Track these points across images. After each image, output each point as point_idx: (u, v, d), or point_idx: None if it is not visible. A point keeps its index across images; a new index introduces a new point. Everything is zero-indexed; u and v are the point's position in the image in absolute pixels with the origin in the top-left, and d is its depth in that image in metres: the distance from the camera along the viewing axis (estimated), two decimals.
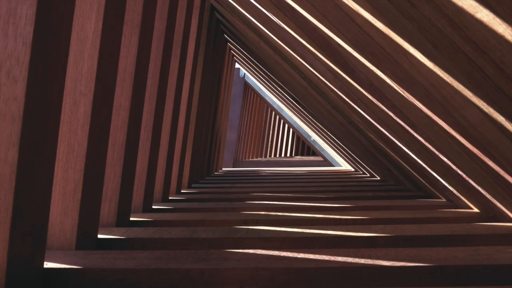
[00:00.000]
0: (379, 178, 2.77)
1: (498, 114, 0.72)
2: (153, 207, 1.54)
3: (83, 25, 0.92)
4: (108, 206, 1.17)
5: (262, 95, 5.85)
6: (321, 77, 1.53)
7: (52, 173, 0.78)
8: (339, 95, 1.55)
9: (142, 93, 1.28)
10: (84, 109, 0.92)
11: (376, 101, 1.22)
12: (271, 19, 1.40)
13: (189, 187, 2.30)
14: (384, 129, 1.45)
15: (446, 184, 1.46)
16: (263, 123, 8.27)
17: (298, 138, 9.38)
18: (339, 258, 0.83)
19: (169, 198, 1.80)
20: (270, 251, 0.89)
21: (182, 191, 2.09)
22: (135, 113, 1.22)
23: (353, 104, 1.50)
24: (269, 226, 1.16)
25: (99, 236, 1.04)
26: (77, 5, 0.91)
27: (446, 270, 0.80)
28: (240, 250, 0.90)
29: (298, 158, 8.22)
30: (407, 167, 1.71)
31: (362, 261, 0.82)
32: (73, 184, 0.92)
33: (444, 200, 1.73)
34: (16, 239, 0.68)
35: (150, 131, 1.43)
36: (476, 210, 1.45)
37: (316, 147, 5.28)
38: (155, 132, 1.47)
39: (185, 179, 2.26)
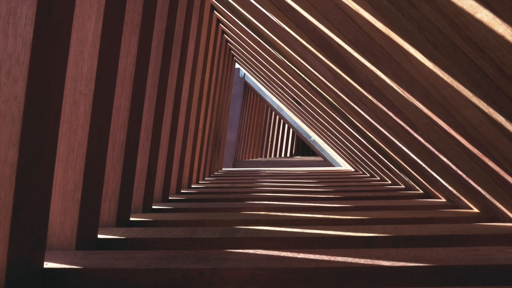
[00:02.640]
0: (379, 178, 2.77)
1: (498, 114, 0.72)
2: (153, 207, 1.54)
3: (83, 25, 0.92)
4: (108, 206, 1.17)
5: (262, 95, 5.85)
6: (321, 77, 1.53)
7: (52, 173, 0.78)
8: (339, 95, 1.55)
9: (142, 93, 1.28)
10: (84, 109, 0.92)
11: (376, 101, 1.22)
12: (271, 19, 1.40)
13: (188, 187, 2.30)
14: (384, 129, 1.45)
15: (446, 184, 1.46)
16: (263, 123, 8.27)
17: (298, 138, 9.38)
18: (339, 258, 0.83)
19: (169, 198, 1.80)
20: (270, 251, 0.89)
21: (182, 191, 2.09)
22: (135, 113, 1.22)
23: (353, 104, 1.50)
24: (269, 226, 1.16)
25: (99, 236, 1.04)
26: (77, 5, 0.91)
27: (446, 270, 0.80)
28: (240, 250, 0.90)
29: (298, 158, 8.23)
30: (407, 167, 1.71)
31: (362, 261, 0.82)
32: (73, 184, 0.92)
33: (444, 200, 1.73)
34: (16, 239, 0.68)
35: (150, 131, 1.43)
36: (476, 210, 1.45)
37: (316, 147, 5.28)
38: (155, 132, 1.47)
39: (185, 179, 2.26)
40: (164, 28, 1.46)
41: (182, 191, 2.08)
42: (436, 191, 1.73)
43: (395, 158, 1.76)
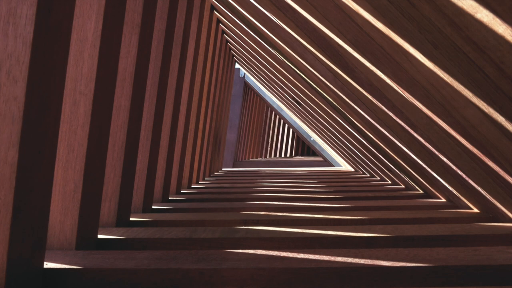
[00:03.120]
0: (379, 178, 2.77)
1: (498, 114, 0.72)
2: (153, 207, 1.54)
3: (83, 25, 0.92)
4: (108, 206, 1.17)
5: (262, 95, 5.85)
6: (321, 77, 1.53)
7: (52, 173, 0.78)
8: (339, 95, 1.55)
9: (142, 93, 1.28)
10: (84, 109, 0.92)
11: (376, 101, 1.22)
12: (271, 19, 1.40)
13: (188, 187, 2.30)
14: (384, 129, 1.45)
15: (446, 184, 1.46)
16: (263, 123, 8.27)
17: (298, 138, 9.38)
18: (339, 258, 0.83)
19: (169, 198, 1.80)
20: (270, 251, 0.89)
21: (182, 191, 2.09)
22: (135, 113, 1.22)
23: (353, 104, 1.50)
24: (269, 226, 1.16)
25: (99, 236, 1.04)
26: (77, 5, 0.91)
27: (446, 270, 0.80)
28: (240, 250, 0.90)
29: (298, 158, 8.22)
30: (407, 167, 1.71)
31: (362, 261, 0.82)
32: (73, 184, 0.92)
33: (444, 200, 1.73)
34: (16, 239, 0.68)
35: (150, 131, 1.43)
36: (476, 210, 1.45)
37: (316, 147, 5.28)
38: (155, 132, 1.47)
39: (185, 179, 2.26)
40: (164, 28, 1.46)
41: (182, 191, 2.08)
42: (436, 191, 1.73)
43: (395, 158, 1.76)
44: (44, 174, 0.74)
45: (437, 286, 0.79)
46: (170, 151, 1.75)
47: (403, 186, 2.25)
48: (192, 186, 2.37)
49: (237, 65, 4.39)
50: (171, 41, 1.56)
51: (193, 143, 2.33)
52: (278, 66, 2.20)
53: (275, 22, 1.39)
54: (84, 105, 0.92)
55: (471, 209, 1.48)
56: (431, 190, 1.78)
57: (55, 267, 0.79)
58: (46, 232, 0.78)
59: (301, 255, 0.85)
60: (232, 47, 3.35)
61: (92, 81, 0.92)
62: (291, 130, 9.03)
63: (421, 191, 1.96)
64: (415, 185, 1.98)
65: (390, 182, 2.50)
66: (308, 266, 0.79)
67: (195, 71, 2.11)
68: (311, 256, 0.85)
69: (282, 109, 5.60)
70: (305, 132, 5.42)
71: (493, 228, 1.15)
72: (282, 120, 8.65)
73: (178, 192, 1.98)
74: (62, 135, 0.91)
